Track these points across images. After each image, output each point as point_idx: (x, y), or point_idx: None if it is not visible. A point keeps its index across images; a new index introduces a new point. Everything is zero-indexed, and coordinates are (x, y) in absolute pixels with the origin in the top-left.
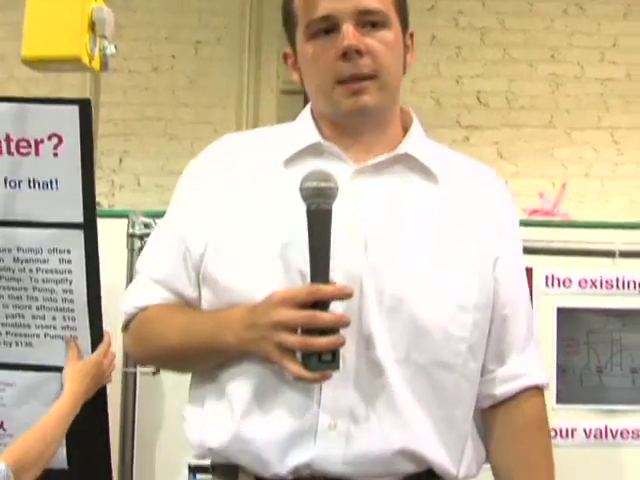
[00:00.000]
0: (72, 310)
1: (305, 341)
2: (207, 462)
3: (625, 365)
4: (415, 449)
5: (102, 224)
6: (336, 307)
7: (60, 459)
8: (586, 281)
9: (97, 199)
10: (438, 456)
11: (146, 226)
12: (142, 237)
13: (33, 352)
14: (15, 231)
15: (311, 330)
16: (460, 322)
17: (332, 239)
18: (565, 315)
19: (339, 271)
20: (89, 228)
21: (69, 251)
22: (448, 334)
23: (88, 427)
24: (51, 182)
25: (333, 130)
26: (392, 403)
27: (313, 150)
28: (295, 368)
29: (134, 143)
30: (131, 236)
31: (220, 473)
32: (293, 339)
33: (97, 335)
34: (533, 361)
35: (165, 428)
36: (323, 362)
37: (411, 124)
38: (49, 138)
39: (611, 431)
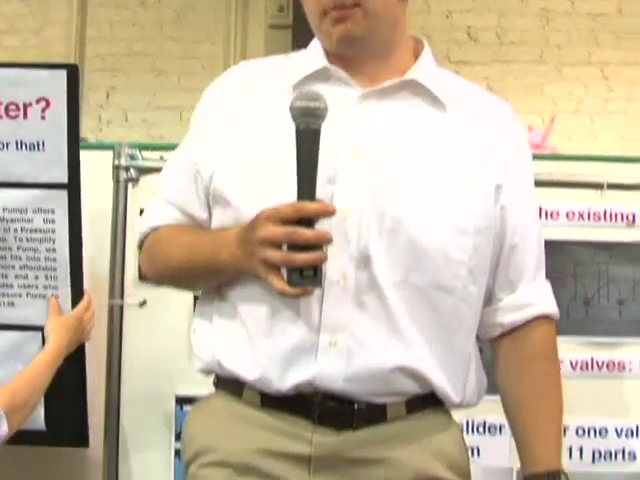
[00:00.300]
0: (54, 269)
1: (287, 256)
2: (194, 393)
3: (612, 297)
4: (414, 367)
5: (89, 156)
6: (336, 228)
7: (38, 420)
8: (573, 213)
9: (84, 134)
10: (438, 378)
11: (132, 158)
12: (127, 169)
13: (15, 312)
14: (1, 191)
15: (296, 247)
16: (460, 245)
17: (336, 162)
18: (552, 247)
19: (341, 193)
20: (73, 188)
21: (53, 211)
22: (447, 257)
23: (67, 387)
24: (38, 144)
25: (338, 60)
26: (392, 323)
27: (321, 75)
28: (279, 283)
29: (121, 78)
30: (117, 168)
31: (224, 387)
32: (276, 254)
33: (78, 294)
34: (543, 290)
35: (152, 360)
36: (305, 278)
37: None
38: (37, 102)
39: (597, 363)
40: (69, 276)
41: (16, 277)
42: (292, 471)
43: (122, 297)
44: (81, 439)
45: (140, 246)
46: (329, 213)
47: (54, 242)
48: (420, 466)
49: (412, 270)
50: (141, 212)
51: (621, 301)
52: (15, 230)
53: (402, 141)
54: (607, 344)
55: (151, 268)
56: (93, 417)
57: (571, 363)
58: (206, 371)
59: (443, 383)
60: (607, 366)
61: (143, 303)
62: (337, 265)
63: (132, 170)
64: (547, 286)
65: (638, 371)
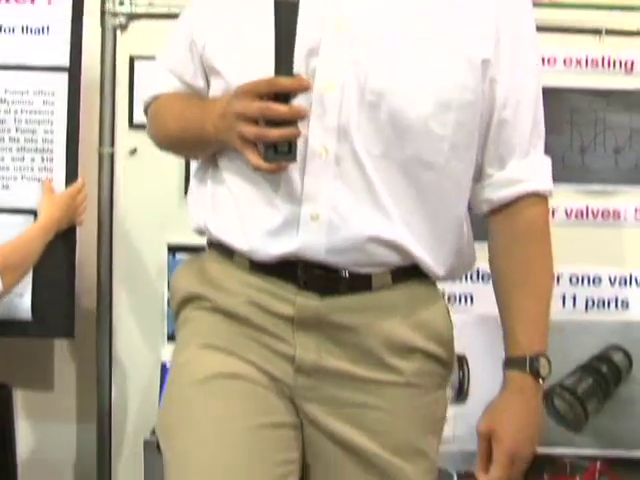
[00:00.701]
0: (51, 151)
1: (260, 132)
2: (186, 241)
3: (608, 145)
4: (393, 239)
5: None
6: (317, 101)
7: (24, 309)
8: (571, 60)
9: None
10: (418, 250)
11: (120, 3)
12: (116, 14)
13: (9, 195)
14: (5, 74)
15: (271, 122)
16: (442, 120)
17: (319, 34)
18: (549, 94)
19: (323, 65)
20: (74, 72)
21: (53, 93)
22: (429, 131)
23: (55, 273)
24: (43, 28)
25: None
26: (372, 195)
27: None
28: (254, 158)
29: None
30: (104, 13)
31: (216, 248)
32: (251, 130)
33: (72, 178)
34: (536, 166)
35: (143, 209)
36: (279, 153)
37: None
38: None
39: (592, 211)
40: (65, 159)
41: (13, 160)
42: (277, 326)
43: (112, 145)
44: (67, 329)
45: (146, 114)
46: (304, 88)
47: (52, 124)
48: (397, 335)
49: (393, 144)
50: (130, 59)
51: (617, 149)
52: (15, 111)
53: (388, 13)
54: (602, 192)
55: (154, 136)
56: (86, 269)
57: (566, 211)
58: (199, 232)
59: (424, 255)
60: (602, 214)
61: (134, 151)
62: (318, 138)
63: (120, 16)
64: (543, 162)
65: (633, 220)
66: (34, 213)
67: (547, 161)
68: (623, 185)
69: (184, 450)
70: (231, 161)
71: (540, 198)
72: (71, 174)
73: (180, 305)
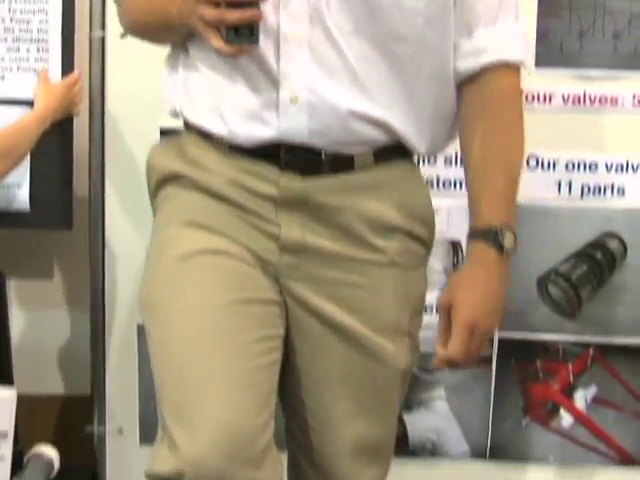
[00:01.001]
0: (46, 41)
1: (220, 14)
2: (178, 126)
3: (607, 30)
4: (375, 114)
5: None
6: None
7: (22, 200)
8: None
9: None
10: (396, 123)
11: None
12: None
13: (5, 86)
14: None
15: (233, 5)
16: None
17: None
18: None
19: None
20: None
21: None
22: (401, 6)
23: (52, 165)
24: None
25: None
26: (349, 73)
27: None
28: (216, 41)
29: None
30: None
31: (194, 132)
32: (211, 12)
33: (68, 68)
34: (505, 35)
35: (135, 94)
36: (240, 36)
37: None
38: None
39: (589, 97)
40: (60, 49)
41: (8, 50)
42: (261, 205)
43: (103, 28)
44: (65, 220)
45: (116, 2)
46: None
47: (47, 14)
48: (380, 214)
49: (365, 21)
50: None
51: (616, 34)
52: (9, 1)
53: None
54: (600, 78)
55: (122, 22)
56: (78, 158)
57: (563, 97)
58: (174, 115)
59: (404, 129)
60: (600, 100)
61: (125, 34)
62: (289, 20)
63: None
64: (514, 31)
65: (630, 106)
66: (30, 104)
67: (520, 31)
68: (621, 71)
69: (165, 325)
70: (200, 49)
71: (510, 69)
72: (67, 64)
73: (159, 183)
